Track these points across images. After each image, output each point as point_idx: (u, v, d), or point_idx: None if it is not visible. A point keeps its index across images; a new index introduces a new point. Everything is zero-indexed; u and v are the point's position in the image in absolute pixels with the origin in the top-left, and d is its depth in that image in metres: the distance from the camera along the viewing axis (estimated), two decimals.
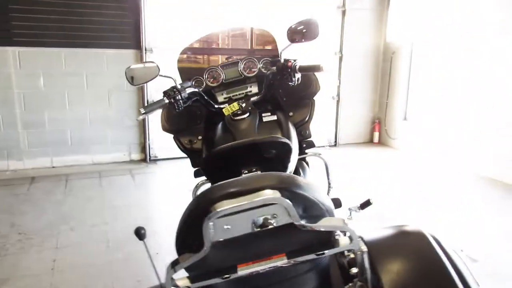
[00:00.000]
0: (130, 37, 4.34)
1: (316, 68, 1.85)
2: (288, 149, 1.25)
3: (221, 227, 0.73)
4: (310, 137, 2.09)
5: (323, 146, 5.48)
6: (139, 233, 0.78)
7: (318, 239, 0.80)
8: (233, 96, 2.02)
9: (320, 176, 2.26)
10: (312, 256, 0.79)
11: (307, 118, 2.07)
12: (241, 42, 5.04)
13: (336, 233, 0.83)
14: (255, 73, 2.05)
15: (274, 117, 1.92)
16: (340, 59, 5.36)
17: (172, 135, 1.98)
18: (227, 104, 1.91)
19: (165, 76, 1.79)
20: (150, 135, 4.62)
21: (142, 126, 4.61)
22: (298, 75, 1.91)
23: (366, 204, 2.29)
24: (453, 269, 0.89)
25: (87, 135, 4.45)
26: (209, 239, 0.73)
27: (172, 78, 1.83)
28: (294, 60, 1.87)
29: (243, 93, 2.02)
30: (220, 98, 2.03)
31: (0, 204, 3.40)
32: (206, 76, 2.03)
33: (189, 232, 0.75)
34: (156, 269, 0.81)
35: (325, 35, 5.23)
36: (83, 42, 4.18)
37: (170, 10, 4.49)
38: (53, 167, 4.36)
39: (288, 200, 0.72)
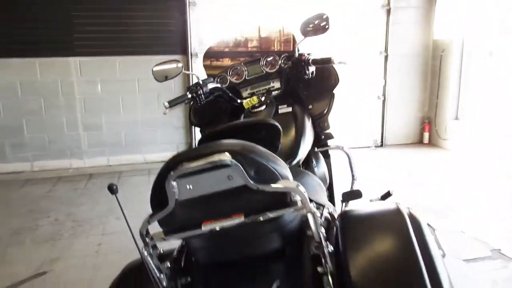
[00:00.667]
0: (177, 43, 4.63)
1: (328, 61, 1.92)
2: (277, 131, 1.34)
3: (184, 187, 0.85)
4: (328, 128, 2.14)
5: (368, 147, 5.40)
6: (112, 189, 0.91)
7: (274, 201, 0.88)
8: (256, 91, 2.13)
9: (344, 169, 2.29)
10: (267, 216, 0.87)
11: (325, 111, 2.13)
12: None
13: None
14: (276, 69, 2.15)
15: (289, 109, 2.00)
16: (386, 58, 5.27)
17: (199, 129, 2.15)
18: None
19: (188, 73, 1.95)
20: (196, 135, 4.87)
21: (189, 127, 4.87)
22: (312, 68, 1.99)
23: (386, 195, 2.29)
24: (420, 248, 0.91)
25: (139, 136, 4.80)
26: (172, 197, 0.84)
27: (195, 75, 1.98)
28: (308, 54, 1.95)
29: (265, 89, 2.12)
30: (245, 94, 2.14)
31: (61, 197, 3.79)
32: (230, 73, 2.17)
33: (160, 191, 0.87)
34: (129, 222, 0.93)
35: (369, 34, 5.21)
36: (134, 50, 4.54)
37: (214, 17, 4.72)
38: (109, 165, 4.76)
39: (237, 163, 0.82)
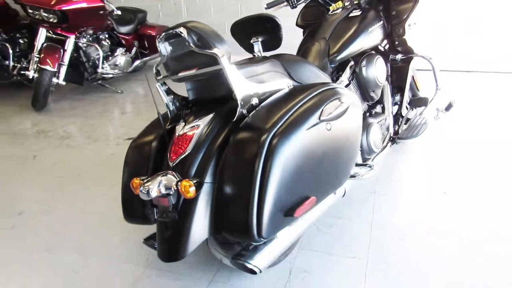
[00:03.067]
0: None
1: None
2: (275, 24, 1.68)
3: (168, 48, 1.44)
4: (403, 35, 2.23)
5: None
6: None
7: (214, 63, 1.38)
8: None
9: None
10: (209, 69, 1.37)
11: (405, 16, 2.21)
12: None
13: None
14: None
15: (358, 13, 2.20)
16: None
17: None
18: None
19: None
20: None
21: None
22: None
23: (449, 106, 2.32)
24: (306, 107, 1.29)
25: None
26: (163, 53, 1.45)
27: None
28: None
29: None
30: None
31: None
32: None
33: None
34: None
35: None
36: None
37: None
38: None
39: (185, 32, 1.34)
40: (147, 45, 5.13)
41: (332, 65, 2.04)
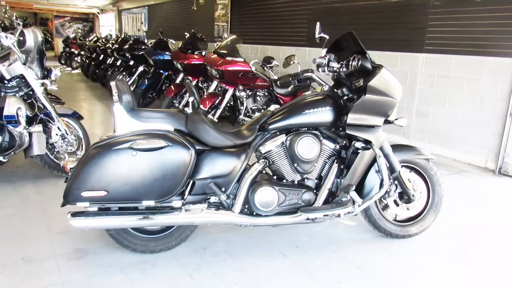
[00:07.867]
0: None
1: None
2: (191, 91, 2.39)
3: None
4: (345, 123, 2.37)
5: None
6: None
7: None
8: (353, 83, 2.62)
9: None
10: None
11: (351, 108, 2.37)
12: None
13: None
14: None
15: (312, 95, 2.49)
16: None
17: None
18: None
19: (295, 62, 2.99)
20: (509, 145, 4.37)
21: (501, 134, 4.45)
22: (335, 65, 2.43)
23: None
24: None
25: (455, 133, 4.96)
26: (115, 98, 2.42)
27: (299, 65, 2.99)
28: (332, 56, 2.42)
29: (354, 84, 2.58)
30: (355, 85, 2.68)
31: None
32: (343, 69, 2.75)
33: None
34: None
35: None
36: (469, 50, 4.68)
37: None
38: None
39: (113, 85, 2.22)
40: None
41: (266, 133, 2.47)
